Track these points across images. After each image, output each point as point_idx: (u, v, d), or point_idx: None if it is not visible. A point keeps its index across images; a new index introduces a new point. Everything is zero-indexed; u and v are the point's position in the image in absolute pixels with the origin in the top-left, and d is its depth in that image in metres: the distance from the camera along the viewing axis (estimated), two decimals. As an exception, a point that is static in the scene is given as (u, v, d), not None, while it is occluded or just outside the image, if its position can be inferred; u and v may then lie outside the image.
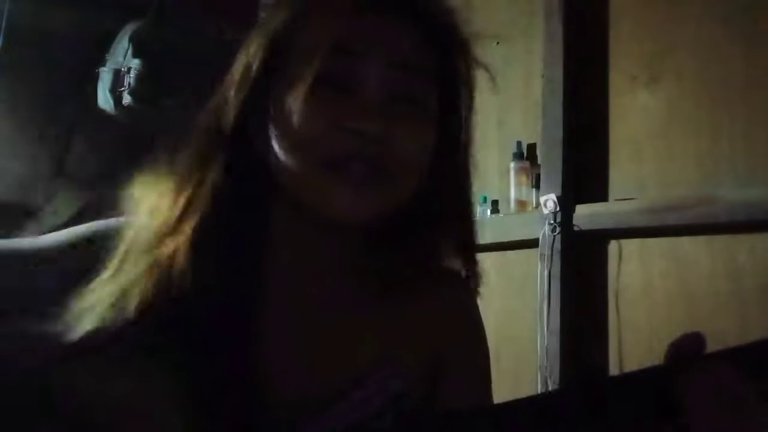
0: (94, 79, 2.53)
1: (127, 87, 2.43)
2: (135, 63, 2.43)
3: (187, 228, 0.60)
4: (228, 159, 0.63)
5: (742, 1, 1.71)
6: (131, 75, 2.42)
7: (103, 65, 2.52)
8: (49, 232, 0.66)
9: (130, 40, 2.48)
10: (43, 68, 2.49)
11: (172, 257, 0.59)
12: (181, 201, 0.62)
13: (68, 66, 2.52)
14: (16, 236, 0.66)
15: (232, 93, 0.64)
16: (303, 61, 0.60)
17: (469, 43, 0.69)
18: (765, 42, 1.66)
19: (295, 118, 0.60)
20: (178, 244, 0.60)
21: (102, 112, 2.53)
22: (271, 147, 0.63)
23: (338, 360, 0.64)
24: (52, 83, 2.49)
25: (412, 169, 0.64)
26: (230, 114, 0.64)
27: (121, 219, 0.65)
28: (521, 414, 0.53)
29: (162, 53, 2.45)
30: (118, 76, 2.46)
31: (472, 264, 0.71)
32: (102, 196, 0.64)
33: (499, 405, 0.55)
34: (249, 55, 0.64)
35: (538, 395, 0.55)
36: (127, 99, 2.44)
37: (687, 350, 0.53)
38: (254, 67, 0.64)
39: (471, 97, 0.70)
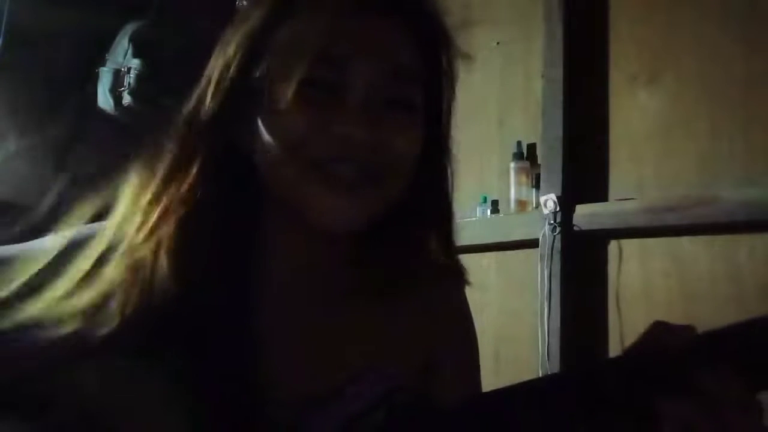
0: (94, 79, 2.53)
1: (127, 87, 2.43)
2: (135, 63, 2.44)
3: (166, 230, 0.60)
4: (208, 159, 0.62)
5: (741, 1, 1.71)
6: (131, 75, 2.42)
7: (103, 65, 2.52)
8: (49, 232, 0.66)
9: (130, 40, 2.48)
10: (43, 68, 2.48)
11: (153, 259, 0.59)
12: (160, 203, 0.61)
13: (68, 66, 2.52)
14: (13, 237, 0.65)
15: (212, 91, 0.63)
16: (289, 63, 0.60)
17: (453, 40, 0.68)
18: (765, 42, 1.66)
19: (281, 121, 0.60)
20: (158, 246, 0.59)
21: (102, 112, 2.53)
22: (256, 148, 0.62)
23: (332, 358, 0.65)
24: (52, 83, 2.49)
25: (400, 171, 0.63)
26: (210, 113, 0.63)
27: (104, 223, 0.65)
28: (511, 402, 0.53)
29: (162, 53, 2.45)
30: (118, 76, 2.46)
31: (454, 260, 0.71)
32: (102, 196, 0.64)
33: (487, 393, 0.55)
34: (229, 53, 0.63)
35: (525, 382, 0.55)
36: (127, 99, 2.44)
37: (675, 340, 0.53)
38: (235, 66, 0.62)
39: (453, 94, 0.69)
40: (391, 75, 0.62)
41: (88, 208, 0.63)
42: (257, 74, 0.62)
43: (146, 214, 0.61)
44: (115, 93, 2.46)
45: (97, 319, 0.57)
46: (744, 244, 1.64)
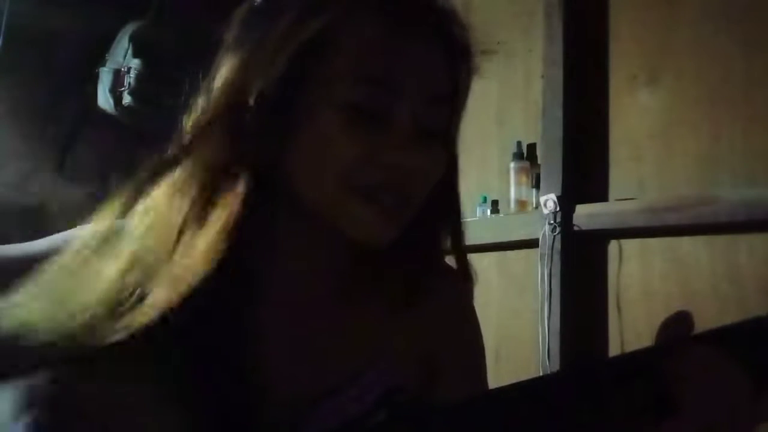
0: (94, 79, 2.53)
1: (127, 87, 2.43)
2: (135, 63, 2.44)
3: (211, 236, 0.58)
4: (251, 176, 0.60)
5: (741, 1, 1.71)
6: (131, 75, 2.42)
7: (103, 65, 2.52)
8: (49, 233, 0.66)
9: (130, 40, 2.48)
10: (43, 68, 2.49)
11: (191, 265, 0.57)
12: (207, 225, 0.59)
13: (68, 66, 2.52)
14: (12, 238, 0.65)
15: (256, 103, 0.60)
16: (340, 88, 0.59)
17: (477, 62, 0.68)
18: (765, 42, 1.66)
19: (330, 145, 0.59)
20: (200, 251, 0.58)
21: (102, 112, 2.53)
22: (293, 165, 0.61)
23: (335, 358, 0.65)
24: (52, 83, 2.49)
25: (429, 189, 0.65)
26: (255, 129, 0.60)
27: (103, 224, 0.64)
28: (515, 399, 0.53)
29: (162, 53, 2.45)
30: (118, 76, 2.47)
31: (463, 261, 0.71)
32: (102, 197, 0.64)
33: (492, 391, 0.56)
34: (273, 66, 0.60)
35: (528, 380, 0.55)
36: (127, 99, 2.44)
37: (675, 330, 0.54)
38: (279, 81, 0.60)
39: (464, 108, 0.70)
40: (435, 103, 0.63)
41: (91, 205, 0.63)
42: (306, 91, 0.60)
43: (192, 236, 0.59)
44: (115, 93, 2.46)
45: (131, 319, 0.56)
46: (744, 244, 1.64)
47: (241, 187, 0.60)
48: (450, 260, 0.72)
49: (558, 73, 2.00)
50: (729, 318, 0.57)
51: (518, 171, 2.12)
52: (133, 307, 0.56)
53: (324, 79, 0.60)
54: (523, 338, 2.01)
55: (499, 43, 2.22)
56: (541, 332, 1.91)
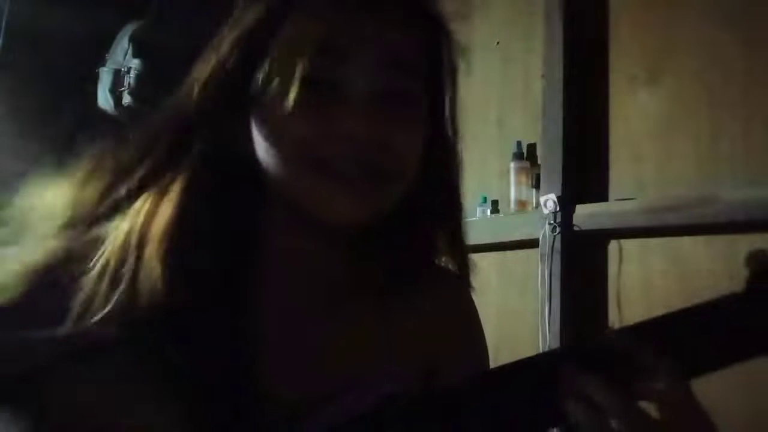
0: (94, 79, 2.53)
1: (127, 87, 2.43)
2: (135, 63, 2.44)
3: (155, 231, 0.59)
4: (197, 160, 0.61)
5: (742, 1, 1.71)
6: (131, 75, 2.42)
7: (103, 65, 2.52)
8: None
9: (130, 40, 2.48)
10: (43, 68, 2.49)
11: (137, 259, 0.58)
12: (149, 203, 0.60)
13: (68, 66, 2.52)
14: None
15: (201, 91, 0.62)
16: (286, 63, 0.59)
17: (452, 32, 0.67)
18: (765, 42, 1.66)
19: (282, 124, 0.59)
20: (141, 246, 0.58)
21: (102, 112, 2.53)
22: (255, 148, 0.61)
23: (333, 361, 0.64)
24: (52, 83, 2.49)
25: (404, 165, 0.63)
26: (199, 113, 0.62)
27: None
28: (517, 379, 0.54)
29: (162, 53, 2.45)
30: (118, 76, 2.47)
31: (463, 260, 0.71)
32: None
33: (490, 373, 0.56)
34: (222, 53, 0.62)
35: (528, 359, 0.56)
36: (127, 99, 2.44)
37: None
38: (229, 65, 0.61)
39: (454, 86, 0.68)
40: (391, 67, 0.61)
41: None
42: (254, 74, 0.61)
43: (128, 213, 0.60)
44: (115, 93, 2.47)
45: (87, 318, 0.56)
46: (744, 244, 1.64)
47: (183, 172, 0.60)
48: (450, 261, 0.72)
49: (558, 73, 2.00)
50: (729, 318, 0.57)
51: (518, 171, 2.12)
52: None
53: (275, 57, 0.60)
54: (523, 338, 2.01)
55: (498, 43, 2.22)
56: (541, 332, 1.91)
